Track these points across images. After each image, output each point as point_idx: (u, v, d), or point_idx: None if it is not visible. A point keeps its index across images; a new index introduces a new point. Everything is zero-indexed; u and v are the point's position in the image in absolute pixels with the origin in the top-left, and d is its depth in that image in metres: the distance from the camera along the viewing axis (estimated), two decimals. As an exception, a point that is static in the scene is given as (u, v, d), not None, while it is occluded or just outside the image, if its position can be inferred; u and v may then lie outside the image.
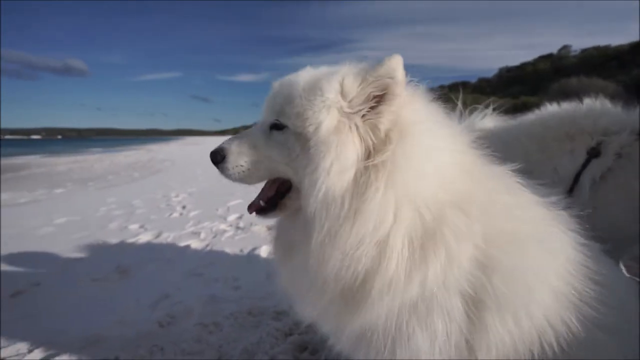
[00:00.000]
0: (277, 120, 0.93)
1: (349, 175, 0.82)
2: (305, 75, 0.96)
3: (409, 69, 0.87)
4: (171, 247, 3.46)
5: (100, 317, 2.13)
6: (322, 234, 0.83)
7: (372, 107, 0.85)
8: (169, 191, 6.83)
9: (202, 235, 3.77)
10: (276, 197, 1.00)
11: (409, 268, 0.82)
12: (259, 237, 3.64)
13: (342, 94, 0.87)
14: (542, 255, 0.90)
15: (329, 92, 0.87)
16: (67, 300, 2.39)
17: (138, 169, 12.45)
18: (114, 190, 7.40)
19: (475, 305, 0.84)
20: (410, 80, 0.91)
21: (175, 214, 4.86)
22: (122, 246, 3.57)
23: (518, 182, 0.98)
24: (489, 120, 2.04)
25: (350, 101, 0.86)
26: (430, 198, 0.85)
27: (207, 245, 3.45)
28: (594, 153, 1.54)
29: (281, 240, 1.05)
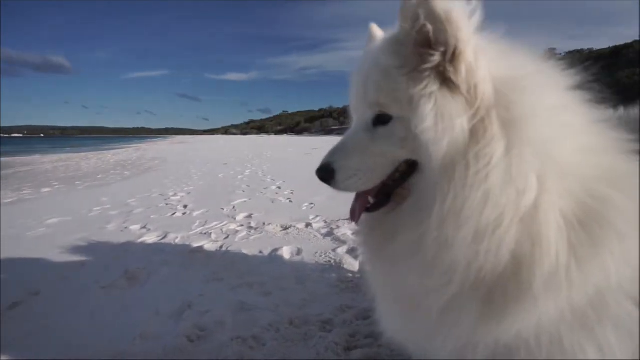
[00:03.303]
0: (380, 111, 0.78)
1: (458, 132, 0.67)
2: (379, 47, 0.81)
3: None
4: (182, 249, 3.19)
5: (119, 331, 1.86)
6: (446, 206, 0.67)
7: (446, 59, 0.69)
8: (165, 190, 6.49)
9: (214, 236, 3.51)
10: (388, 188, 0.85)
11: (578, 257, 0.64)
12: (275, 237, 3.41)
13: (405, 60, 0.73)
14: None
15: (396, 60, 0.74)
16: (75, 311, 2.10)
17: (128, 168, 11.95)
18: (105, 190, 6.99)
19: None
20: None
21: (178, 214, 4.57)
22: (126, 248, 3.28)
23: None
24: None
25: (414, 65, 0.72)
26: (576, 167, 0.68)
27: (221, 247, 3.19)
28: None
29: (375, 234, 0.88)
